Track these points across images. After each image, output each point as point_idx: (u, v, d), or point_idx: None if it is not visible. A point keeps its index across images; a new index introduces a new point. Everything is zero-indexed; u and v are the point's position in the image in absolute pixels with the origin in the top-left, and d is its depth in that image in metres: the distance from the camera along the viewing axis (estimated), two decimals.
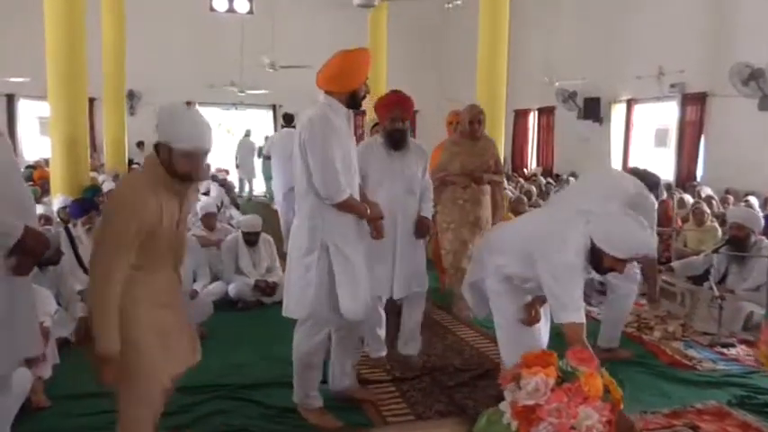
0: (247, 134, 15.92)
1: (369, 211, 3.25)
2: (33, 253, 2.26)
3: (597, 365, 1.62)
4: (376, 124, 5.21)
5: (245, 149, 15.60)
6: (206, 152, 2.47)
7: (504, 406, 1.67)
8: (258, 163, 14.76)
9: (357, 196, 3.24)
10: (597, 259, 2.72)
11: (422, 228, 3.92)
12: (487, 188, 5.14)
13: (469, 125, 5.01)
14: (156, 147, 2.47)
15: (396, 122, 3.78)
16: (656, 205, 3.93)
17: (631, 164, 12.90)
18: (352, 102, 3.17)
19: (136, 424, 2.54)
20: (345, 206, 3.11)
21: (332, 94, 3.14)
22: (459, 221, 5.05)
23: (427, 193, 4.00)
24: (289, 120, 9.17)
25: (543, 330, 3.28)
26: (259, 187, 15.49)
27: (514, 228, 3.40)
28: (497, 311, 3.23)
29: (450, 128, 5.65)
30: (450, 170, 5.00)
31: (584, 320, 2.57)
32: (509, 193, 8.31)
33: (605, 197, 3.40)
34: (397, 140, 3.80)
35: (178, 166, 2.40)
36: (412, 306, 4.04)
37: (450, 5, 12.88)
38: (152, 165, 2.46)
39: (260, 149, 14.50)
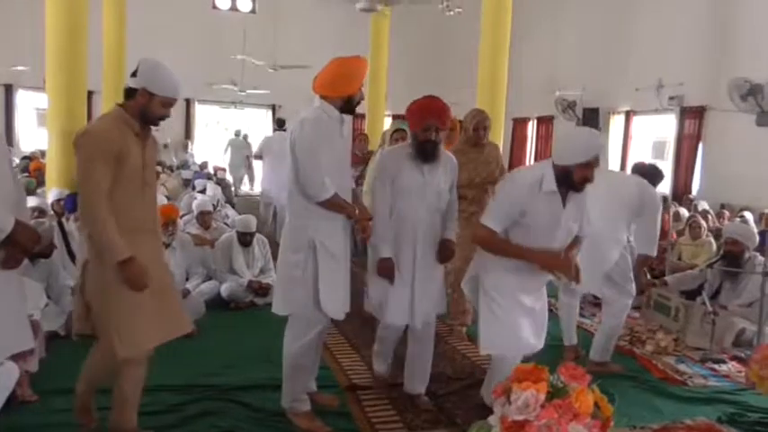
0: (237, 134, 15.63)
1: (357, 211, 3.25)
2: (23, 247, 2.29)
3: (589, 382, 1.61)
4: (396, 131, 5.08)
5: (235, 150, 15.16)
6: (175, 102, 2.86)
7: (493, 420, 1.65)
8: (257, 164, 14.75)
9: (349, 199, 3.25)
10: (567, 179, 3.05)
11: (445, 251, 3.53)
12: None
13: (474, 132, 4.74)
14: (129, 92, 2.77)
15: (429, 132, 3.36)
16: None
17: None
18: (347, 107, 3.19)
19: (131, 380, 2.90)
20: (331, 205, 3.12)
21: (327, 98, 3.16)
22: (463, 237, 4.57)
23: (452, 212, 3.62)
24: (281, 124, 9.93)
25: (527, 328, 3.26)
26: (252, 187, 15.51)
27: None
28: (484, 291, 3.29)
29: (453, 134, 5.42)
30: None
31: (493, 227, 3.12)
32: None
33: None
34: (428, 153, 3.38)
35: (155, 110, 2.77)
36: (424, 335, 3.59)
37: (452, 12, 12.87)
38: (116, 110, 2.79)
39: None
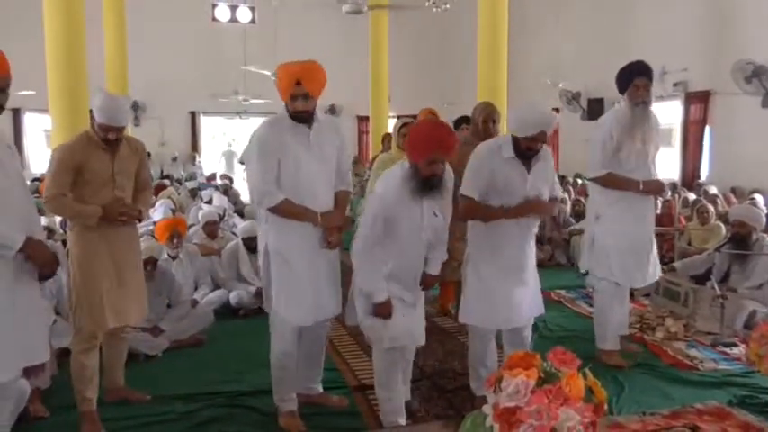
0: (230, 145, 16.28)
1: (319, 218, 3.13)
2: (37, 263, 2.50)
3: (579, 366, 1.61)
4: (404, 125, 4.87)
5: (229, 160, 15.90)
6: (118, 127, 3.23)
7: (486, 408, 1.65)
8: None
9: (326, 207, 3.18)
10: (517, 146, 3.28)
11: (426, 284, 3.28)
12: None
13: (483, 125, 4.67)
14: (91, 115, 3.35)
15: (435, 166, 2.95)
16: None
17: None
18: (291, 114, 3.13)
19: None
20: (282, 212, 3.10)
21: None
22: None
23: (442, 241, 3.28)
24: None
25: (504, 303, 3.38)
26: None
27: None
28: (470, 264, 3.52)
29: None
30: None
31: (471, 195, 3.32)
32: None
33: None
34: (432, 186, 3.00)
35: (98, 131, 3.23)
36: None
37: (439, 9, 12.86)
38: (86, 129, 3.38)
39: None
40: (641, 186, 4.03)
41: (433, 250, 3.22)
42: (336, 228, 3.21)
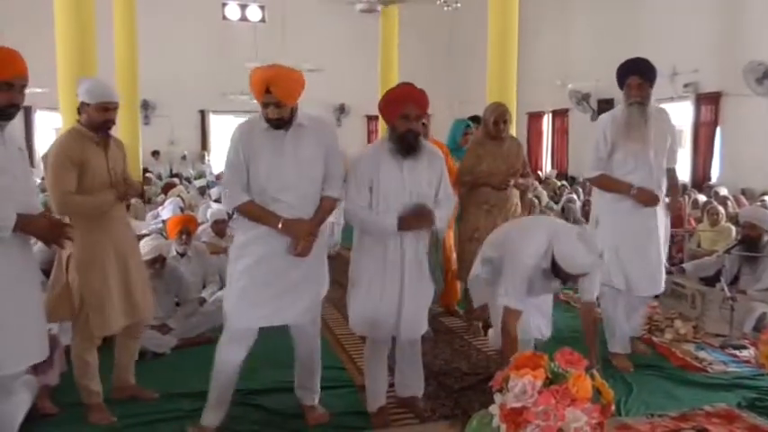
0: None
1: (280, 224, 2.99)
2: (37, 235, 2.61)
3: (586, 367, 1.60)
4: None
5: None
6: (115, 104, 3.28)
7: (493, 408, 1.65)
8: None
9: (307, 211, 3.06)
10: (556, 269, 3.21)
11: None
12: (515, 192, 4.85)
13: (494, 125, 4.69)
14: (79, 110, 3.29)
15: (408, 122, 3.08)
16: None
17: None
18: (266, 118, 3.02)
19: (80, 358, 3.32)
20: (244, 212, 3.08)
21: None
22: (484, 230, 4.60)
23: (446, 204, 3.30)
24: None
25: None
26: None
27: (506, 225, 3.90)
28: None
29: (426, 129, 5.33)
30: (475, 173, 4.70)
31: (516, 307, 3.29)
32: (535, 199, 8.22)
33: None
34: (409, 144, 3.10)
35: (96, 117, 3.22)
36: (410, 347, 3.46)
37: (450, 8, 12.85)
38: (74, 126, 3.32)
39: None
40: (633, 191, 3.90)
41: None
42: (305, 236, 3.04)
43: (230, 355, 3.21)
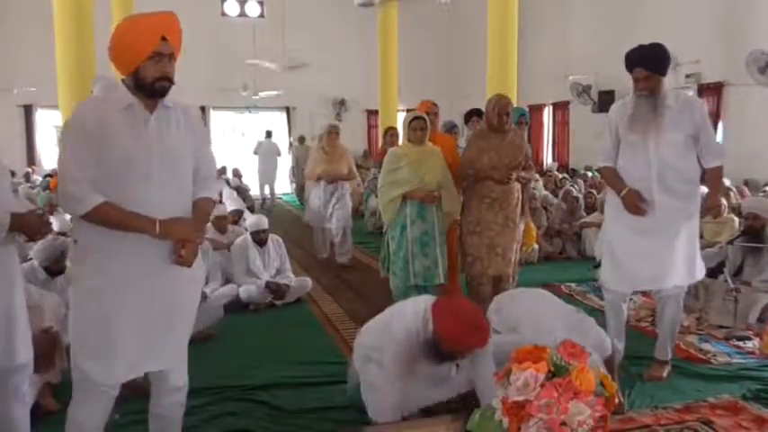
0: (269, 135, 14.83)
1: (158, 227, 2.34)
2: (29, 233, 2.53)
3: (588, 360, 1.59)
4: (414, 119, 4.81)
5: (265, 151, 14.39)
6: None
7: (496, 402, 1.64)
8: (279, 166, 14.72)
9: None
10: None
11: None
12: (517, 185, 4.81)
13: (497, 117, 4.66)
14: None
15: (457, 356, 2.86)
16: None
17: None
18: (138, 86, 2.37)
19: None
20: (100, 218, 2.31)
21: (124, 79, 2.43)
22: (485, 223, 4.69)
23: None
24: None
25: None
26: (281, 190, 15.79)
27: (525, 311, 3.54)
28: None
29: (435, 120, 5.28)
30: (477, 167, 4.69)
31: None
32: (537, 192, 8.20)
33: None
34: (448, 360, 2.94)
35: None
36: None
37: (449, 1, 12.81)
38: None
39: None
40: (623, 192, 3.68)
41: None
42: (188, 239, 2.41)
43: (88, 418, 2.49)
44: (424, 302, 2.91)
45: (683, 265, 3.69)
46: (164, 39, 2.32)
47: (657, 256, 3.66)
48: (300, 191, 13.48)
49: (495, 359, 3.01)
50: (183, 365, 2.65)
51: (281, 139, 17.10)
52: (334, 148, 7.26)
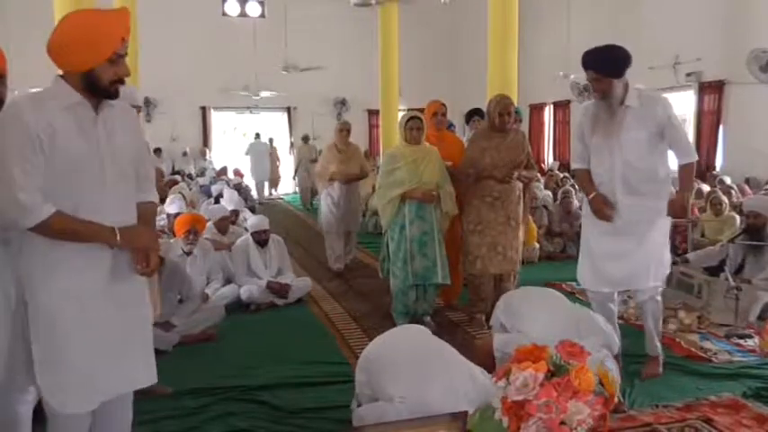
0: (258, 136, 16.02)
1: (118, 236, 2.19)
2: None
3: (588, 359, 1.59)
4: (411, 119, 4.78)
5: (256, 152, 15.65)
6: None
7: (495, 402, 1.64)
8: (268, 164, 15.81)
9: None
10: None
11: None
12: (518, 185, 4.85)
13: (499, 117, 4.71)
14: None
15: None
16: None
17: None
18: (91, 86, 2.16)
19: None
20: (53, 230, 2.10)
21: (65, 75, 2.20)
22: (487, 222, 4.73)
23: None
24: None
25: None
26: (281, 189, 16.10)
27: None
28: None
29: (434, 120, 5.20)
30: (479, 166, 4.72)
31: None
32: (538, 192, 8.20)
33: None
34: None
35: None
36: None
37: (448, 0, 12.81)
38: None
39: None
40: (591, 196, 3.67)
41: None
42: (152, 247, 2.32)
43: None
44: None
45: (654, 264, 3.65)
46: (123, 39, 2.19)
47: (628, 257, 3.61)
48: (308, 195, 13.52)
49: (502, 358, 3.02)
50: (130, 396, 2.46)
51: (283, 140, 17.15)
52: (347, 147, 7.00)
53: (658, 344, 3.86)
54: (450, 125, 6.66)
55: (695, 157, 3.70)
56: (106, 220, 2.18)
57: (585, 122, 3.73)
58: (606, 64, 3.52)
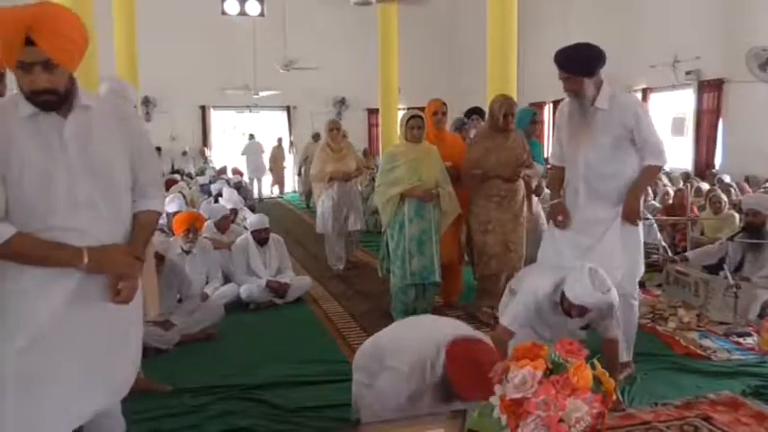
0: (252, 137, 16.39)
1: (86, 258, 1.96)
2: None
3: (586, 356, 1.59)
4: (411, 118, 4.79)
5: (251, 151, 16.09)
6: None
7: (494, 400, 1.64)
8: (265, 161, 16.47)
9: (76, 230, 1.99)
10: (562, 300, 3.11)
11: None
12: (521, 183, 4.89)
13: (503, 117, 4.75)
14: None
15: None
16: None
17: None
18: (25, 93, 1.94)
19: None
20: (12, 253, 1.91)
21: None
22: (497, 222, 4.77)
23: None
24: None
25: None
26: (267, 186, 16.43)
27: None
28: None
29: (434, 119, 5.16)
30: (484, 166, 4.73)
31: (508, 327, 3.24)
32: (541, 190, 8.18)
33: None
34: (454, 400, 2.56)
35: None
36: None
37: None
38: None
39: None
40: (553, 202, 3.74)
41: None
42: (126, 273, 2.06)
43: None
44: (443, 335, 2.63)
45: (616, 262, 3.51)
46: (30, 43, 1.83)
47: (589, 253, 3.52)
48: (308, 195, 13.47)
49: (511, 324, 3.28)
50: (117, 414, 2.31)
51: (284, 140, 17.17)
52: (339, 145, 6.97)
53: (627, 351, 3.71)
54: (464, 123, 6.59)
55: (663, 162, 3.64)
56: (85, 242, 1.95)
57: (561, 121, 3.75)
58: (576, 62, 3.50)
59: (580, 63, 3.50)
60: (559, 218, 3.65)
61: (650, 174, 3.61)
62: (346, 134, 7.46)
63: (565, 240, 3.67)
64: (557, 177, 3.78)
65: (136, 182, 2.16)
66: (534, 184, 5.30)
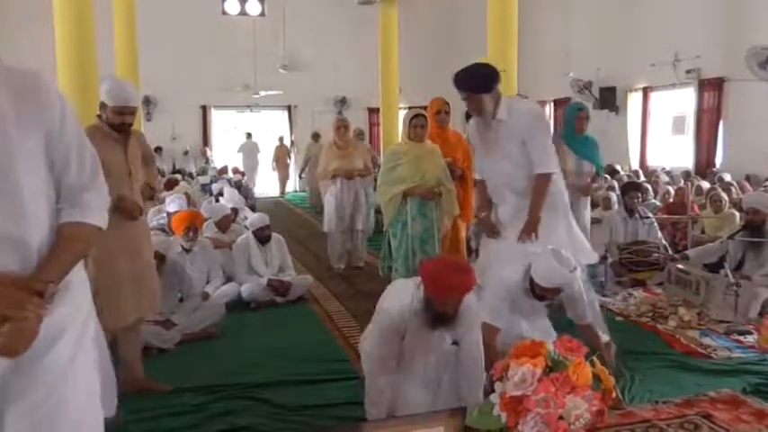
0: (249, 136, 16.71)
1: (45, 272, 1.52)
2: None
3: (585, 354, 1.60)
4: (415, 116, 4.82)
5: (247, 150, 16.47)
6: (132, 108, 3.31)
7: (494, 397, 1.65)
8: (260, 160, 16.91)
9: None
10: (533, 287, 3.30)
11: None
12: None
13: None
14: (100, 107, 3.34)
15: (448, 308, 2.86)
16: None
17: (649, 153, 12.77)
18: None
19: None
20: None
21: None
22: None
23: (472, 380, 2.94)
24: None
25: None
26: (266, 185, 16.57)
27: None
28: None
29: (436, 118, 5.17)
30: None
31: (493, 323, 3.32)
32: None
33: None
34: (441, 322, 2.92)
35: (112, 118, 3.29)
36: None
37: None
38: (95, 121, 3.39)
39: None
40: (480, 216, 4.03)
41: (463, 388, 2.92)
42: (8, 314, 1.42)
43: None
44: (414, 279, 3.04)
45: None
46: None
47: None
48: (315, 196, 13.43)
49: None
50: None
51: (284, 140, 17.18)
52: (346, 143, 6.91)
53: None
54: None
55: (550, 170, 3.80)
56: None
57: (474, 139, 4.02)
58: (473, 81, 3.73)
59: (477, 81, 3.74)
60: (489, 232, 3.96)
61: (541, 185, 3.78)
62: (363, 134, 7.39)
63: (508, 243, 3.85)
64: (481, 190, 4.07)
65: (60, 185, 1.61)
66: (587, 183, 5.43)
